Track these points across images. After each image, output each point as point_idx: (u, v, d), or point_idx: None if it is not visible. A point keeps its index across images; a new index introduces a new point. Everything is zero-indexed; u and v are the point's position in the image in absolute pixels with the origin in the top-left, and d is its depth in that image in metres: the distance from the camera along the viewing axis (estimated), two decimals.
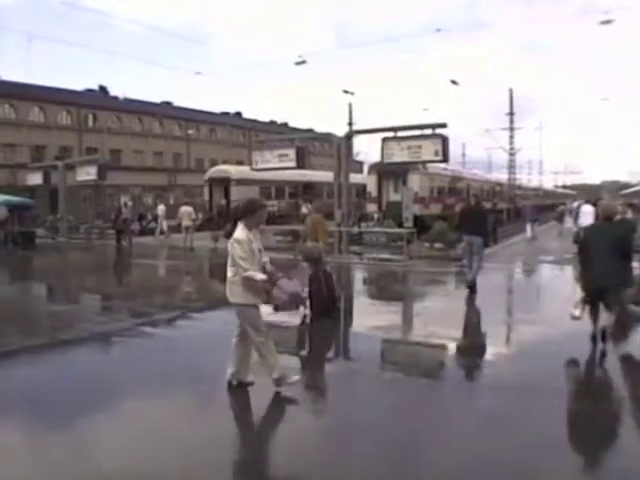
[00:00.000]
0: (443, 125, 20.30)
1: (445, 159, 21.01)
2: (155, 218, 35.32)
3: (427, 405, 6.75)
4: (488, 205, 30.76)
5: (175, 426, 6.02)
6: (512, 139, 64.38)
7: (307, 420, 6.38)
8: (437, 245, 23.27)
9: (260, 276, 6.65)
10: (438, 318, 11.50)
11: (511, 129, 64.06)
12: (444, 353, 9.09)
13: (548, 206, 53.64)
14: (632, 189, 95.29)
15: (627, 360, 8.80)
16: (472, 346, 9.64)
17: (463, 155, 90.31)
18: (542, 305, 13.60)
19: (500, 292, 15.04)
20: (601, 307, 8.67)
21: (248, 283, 6.64)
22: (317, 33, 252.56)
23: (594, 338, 8.74)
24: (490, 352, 9.26)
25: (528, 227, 30.31)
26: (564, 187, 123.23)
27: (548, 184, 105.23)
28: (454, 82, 40.87)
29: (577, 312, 9.17)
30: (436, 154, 20.16)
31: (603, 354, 8.49)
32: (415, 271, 18.07)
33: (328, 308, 10.95)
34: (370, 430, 5.93)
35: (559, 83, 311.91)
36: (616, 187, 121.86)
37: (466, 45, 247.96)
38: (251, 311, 6.83)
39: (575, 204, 33.74)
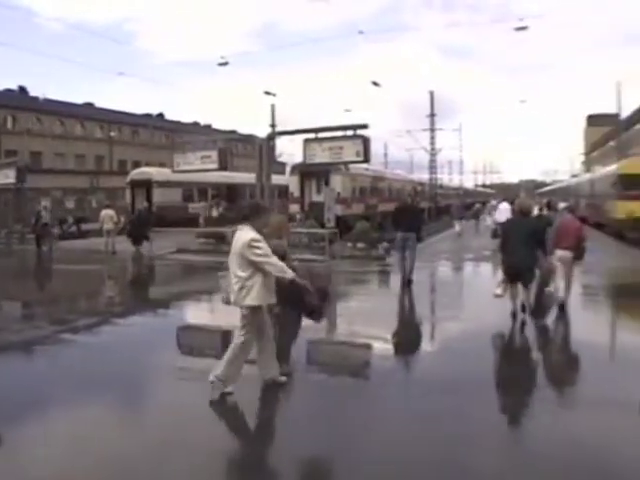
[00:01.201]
0: (364, 126, 20.45)
1: (366, 159, 21.18)
2: (77, 221, 34.76)
3: (353, 405, 6.80)
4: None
5: (98, 435, 5.95)
6: (433, 140, 65.23)
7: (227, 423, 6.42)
8: (359, 245, 23.54)
9: (290, 273, 6.73)
10: (362, 317, 11.67)
11: (432, 130, 64.93)
12: (369, 352, 9.13)
13: (469, 205, 54.74)
14: (546, 188, 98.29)
15: (543, 332, 10.88)
16: (398, 344, 9.82)
17: (385, 155, 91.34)
18: (465, 301, 14.07)
19: (424, 290, 15.46)
20: (519, 286, 10.84)
21: (268, 282, 6.74)
22: (240, 34, 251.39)
23: (514, 314, 10.86)
24: (416, 349, 9.47)
25: (456, 224, 34.25)
26: (484, 186, 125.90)
27: (468, 183, 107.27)
28: (375, 84, 41.28)
29: (499, 291, 11.20)
30: (357, 155, 20.28)
31: (523, 322, 10.70)
32: (338, 271, 18.20)
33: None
34: (295, 431, 6.00)
35: (479, 85, 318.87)
36: (532, 186, 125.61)
37: (388, 47, 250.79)
38: (260, 313, 6.89)
39: (494, 202, 36.26)
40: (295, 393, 7.27)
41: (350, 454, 5.49)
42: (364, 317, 11.71)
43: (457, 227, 34.28)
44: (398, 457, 5.44)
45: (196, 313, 12.96)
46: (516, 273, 10.80)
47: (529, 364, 8.95)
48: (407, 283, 15.24)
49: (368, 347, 9.32)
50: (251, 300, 6.74)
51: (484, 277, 17.56)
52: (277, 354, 7.35)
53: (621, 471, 5.20)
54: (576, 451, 5.59)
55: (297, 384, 7.52)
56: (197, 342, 10.00)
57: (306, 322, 9.37)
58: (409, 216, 15.90)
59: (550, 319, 11.73)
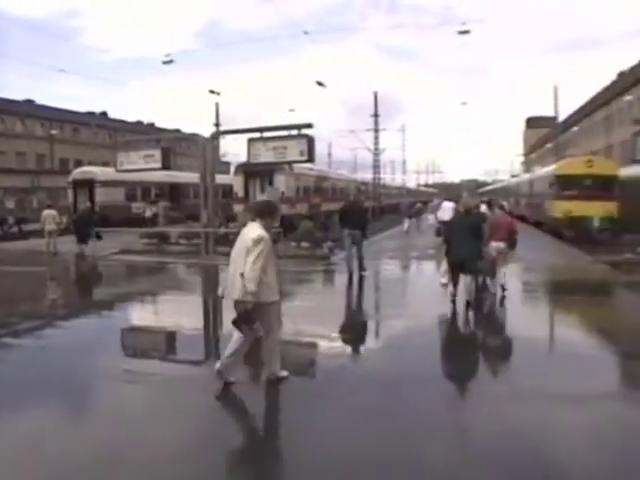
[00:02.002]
0: (309, 126, 20.60)
1: (311, 159, 21.35)
2: (18, 222, 34.14)
3: (298, 403, 6.85)
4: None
5: (38, 440, 5.92)
6: (377, 140, 65.80)
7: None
8: (304, 244, 23.60)
9: (253, 289, 6.74)
10: (307, 316, 11.76)
11: (376, 130, 65.46)
12: (315, 351, 9.23)
13: (411, 204, 55.33)
14: (487, 187, 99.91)
15: (485, 323, 11.74)
16: (343, 342, 9.92)
17: (329, 155, 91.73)
18: (410, 297, 14.36)
19: (370, 287, 15.70)
20: (462, 276, 12.17)
21: (268, 280, 7.00)
22: (185, 32, 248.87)
23: (454, 300, 12.26)
24: (361, 346, 9.59)
25: (405, 221, 35.41)
26: (426, 186, 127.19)
27: (411, 183, 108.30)
28: (320, 84, 41.32)
29: (444, 280, 13.27)
30: (302, 154, 20.44)
31: (469, 303, 12.07)
32: (283, 270, 18.17)
33: None
34: (239, 431, 6.07)
35: (423, 87, 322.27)
36: (474, 185, 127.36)
37: (333, 48, 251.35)
38: (270, 307, 7.15)
39: (436, 201, 37.41)
40: (240, 393, 7.28)
41: (294, 452, 5.60)
42: (309, 316, 11.79)
43: (405, 225, 35.40)
44: (344, 454, 5.55)
45: (140, 314, 12.88)
46: (460, 264, 12.10)
47: (471, 358, 9.16)
48: (360, 278, 16.18)
49: (314, 346, 9.42)
50: (267, 296, 7.00)
51: (429, 274, 17.87)
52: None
53: (557, 460, 5.42)
54: (516, 442, 5.80)
55: (243, 384, 7.52)
56: (142, 344, 9.99)
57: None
58: (355, 215, 16.84)
59: (491, 309, 12.96)
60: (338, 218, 17.60)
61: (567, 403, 6.83)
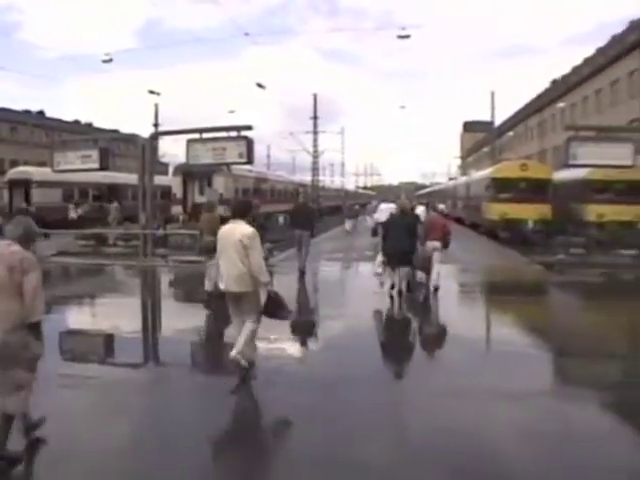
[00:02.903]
0: (248, 127, 20.55)
1: (250, 161, 21.29)
2: None
3: (239, 404, 6.88)
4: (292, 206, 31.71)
5: None
6: (316, 142, 66.10)
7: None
8: None
9: (266, 278, 7.53)
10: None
11: (315, 132, 65.73)
12: (254, 352, 9.16)
13: (350, 206, 55.65)
14: (425, 190, 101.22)
15: (420, 318, 12.46)
16: (284, 342, 9.88)
17: (268, 157, 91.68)
18: (349, 297, 14.53)
19: (310, 288, 15.83)
20: (397, 269, 13.28)
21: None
22: (125, 31, 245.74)
23: (391, 293, 13.31)
24: (302, 347, 9.59)
25: (347, 222, 36.54)
26: (365, 188, 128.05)
27: (350, 185, 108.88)
28: (260, 85, 41.26)
29: (379, 270, 14.20)
30: (241, 156, 20.37)
31: (400, 293, 13.26)
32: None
33: None
34: (176, 434, 6.01)
35: (362, 90, 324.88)
36: (412, 188, 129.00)
37: (273, 50, 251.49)
38: (257, 296, 7.52)
39: (374, 203, 38.25)
40: (181, 395, 7.23)
41: (233, 453, 5.59)
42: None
43: (347, 225, 36.31)
44: (285, 455, 5.61)
45: (78, 318, 12.63)
46: (396, 258, 13.22)
47: (409, 357, 9.30)
48: (301, 275, 16.86)
49: (253, 348, 9.36)
50: (255, 285, 7.45)
51: (366, 273, 18.07)
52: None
53: (494, 455, 5.55)
54: (455, 439, 5.89)
55: (183, 386, 7.50)
56: (79, 347, 9.82)
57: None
58: (303, 215, 17.56)
59: (427, 305, 13.71)
60: (289, 219, 18.40)
61: (502, 399, 6.99)
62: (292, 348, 9.51)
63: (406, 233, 13.18)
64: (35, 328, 5.11)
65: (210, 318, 11.70)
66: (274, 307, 7.62)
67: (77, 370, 8.23)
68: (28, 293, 4.99)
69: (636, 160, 22.33)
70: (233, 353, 7.47)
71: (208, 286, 8.00)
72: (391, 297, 13.29)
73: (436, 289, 14.29)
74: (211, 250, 11.83)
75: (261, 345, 9.14)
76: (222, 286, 7.70)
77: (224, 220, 8.87)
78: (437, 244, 14.46)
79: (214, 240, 8.41)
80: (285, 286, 14.35)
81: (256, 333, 7.80)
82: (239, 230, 7.45)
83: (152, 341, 10.69)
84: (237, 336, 7.68)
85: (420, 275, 14.94)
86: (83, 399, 6.95)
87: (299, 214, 17.82)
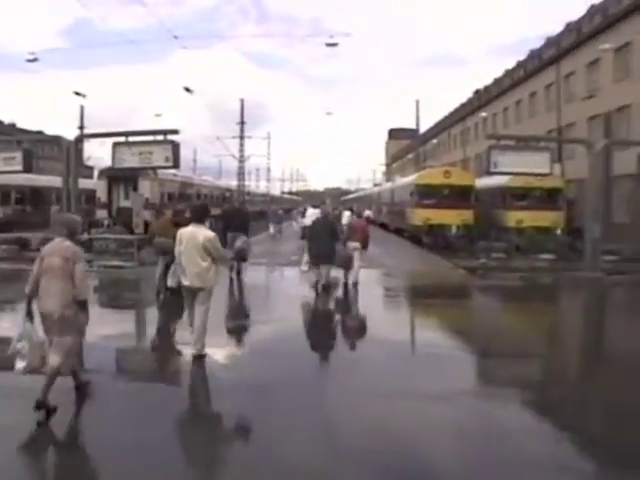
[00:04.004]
0: (175, 131, 20.41)
1: (176, 165, 21.15)
2: None
3: (166, 411, 6.75)
4: (217, 210, 31.49)
5: None
6: (242, 147, 66.00)
7: None
8: None
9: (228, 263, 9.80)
10: (171, 325, 11.67)
11: (241, 137, 65.64)
12: (181, 359, 9.09)
13: (276, 210, 55.71)
14: (351, 196, 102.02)
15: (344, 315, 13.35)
16: (211, 349, 9.82)
17: (194, 161, 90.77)
18: (277, 300, 14.64)
19: (236, 292, 15.82)
20: (321, 266, 14.75)
21: (218, 269, 8.80)
22: (51, 30, 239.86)
23: (316, 287, 14.79)
24: (231, 352, 9.56)
25: (271, 227, 37.36)
26: (290, 193, 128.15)
27: (275, 190, 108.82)
28: (188, 89, 40.91)
29: (305, 268, 16.51)
30: (167, 160, 20.20)
31: (325, 287, 14.73)
32: (146, 278, 17.89)
33: None
34: (102, 442, 5.95)
35: (290, 96, 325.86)
36: (337, 193, 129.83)
37: (202, 54, 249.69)
38: (211, 290, 8.71)
39: (301, 208, 38.94)
40: (103, 402, 7.07)
41: (162, 459, 5.54)
42: (173, 325, 11.59)
43: (272, 230, 37.00)
44: (213, 459, 5.66)
45: None
46: (320, 257, 14.84)
47: (335, 359, 9.45)
48: (237, 273, 17.21)
49: (180, 354, 9.31)
50: (212, 281, 8.65)
51: (292, 276, 18.25)
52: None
53: (423, 455, 5.72)
54: (384, 439, 6.02)
55: (105, 393, 7.30)
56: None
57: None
58: (238, 218, 17.84)
59: (351, 303, 14.91)
60: (223, 221, 18.28)
61: (427, 399, 7.18)
62: (220, 353, 9.47)
63: (328, 235, 14.81)
64: (82, 304, 6.60)
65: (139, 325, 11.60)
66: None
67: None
68: (78, 277, 6.46)
69: (553, 168, 23.15)
70: (195, 348, 8.63)
71: (170, 282, 8.95)
72: (316, 291, 14.72)
73: (355, 284, 16.07)
74: (163, 250, 13.55)
75: (189, 352, 9.17)
76: (185, 282, 8.60)
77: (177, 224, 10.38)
78: (357, 245, 16.27)
79: (167, 241, 10.51)
80: (221, 286, 14.33)
81: (208, 317, 8.70)
82: (202, 234, 8.51)
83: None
84: (190, 324, 8.85)
85: (335, 275, 16.00)
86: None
87: (234, 217, 17.95)
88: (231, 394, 7.40)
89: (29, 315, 6.62)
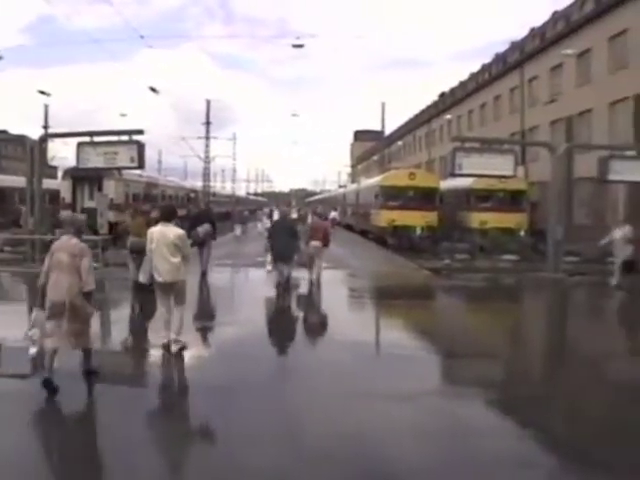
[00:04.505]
0: (140, 132, 20.31)
1: (141, 165, 21.05)
2: None
3: (131, 413, 6.71)
4: (183, 211, 31.39)
5: None
6: (208, 148, 65.70)
7: None
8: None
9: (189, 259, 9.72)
10: (139, 325, 11.64)
11: (207, 138, 65.35)
12: (144, 359, 9.13)
13: (239, 212, 55.58)
14: (316, 197, 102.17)
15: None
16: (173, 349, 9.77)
17: (159, 162, 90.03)
18: (237, 306, 14.50)
19: (205, 293, 15.81)
20: (283, 265, 15.36)
21: (187, 264, 9.46)
22: (14, 27, 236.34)
23: (278, 287, 15.29)
24: (192, 353, 9.52)
25: (237, 227, 37.58)
26: (256, 194, 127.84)
27: (241, 191, 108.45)
28: (153, 89, 40.57)
29: (269, 267, 17.49)
30: (132, 160, 20.11)
31: (285, 287, 15.24)
32: (111, 279, 17.73)
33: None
34: (70, 445, 5.93)
35: (256, 97, 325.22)
36: (302, 195, 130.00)
37: (168, 54, 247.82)
38: (185, 284, 9.41)
39: (266, 210, 39.38)
40: (68, 403, 6.99)
41: (121, 460, 5.48)
42: (141, 325, 11.61)
43: (237, 231, 37.19)
44: (172, 462, 5.62)
45: None
46: (282, 256, 15.45)
47: (298, 359, 9.44)
48: (202, 274, 17.56)
49: (142, 355, 9.31)
50: (184, 275, 9.21)
51: (257, 277, 18.30)
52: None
53: (388, 455, 5.71)
54: (348, 440, 6.00)
55: (70, 394, 7.13)
56: None
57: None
58: (205, 220, 17.55)
59: (314, 301, 15.39)
60: (190, 222, 18.14)
61: (391, 400, 7.22)
62: (185, 354, 9.41)
63: (288, 235, 15.49)
64: (88, 295, 7.36)
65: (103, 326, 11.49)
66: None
67: None
68: (84, 271, 7.22)
69: (517, 170, 23.47)
70: (172, 335, 9.14)
71: (142, 278, 9.43)
72: (278, 290, 15.14)
73: (318, 280, 16.61)
74: (139, 249, 13.27)
75: (154, 353, 9.17)
76: (158, 278, 9.06)
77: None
78: (318, 244, 16.75)
79: (141, 240, 10.93)
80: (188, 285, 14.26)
81: (184, 309, 9.41)
82: (172, 232, 9.03)
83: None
84: (164, 314, 9.35)
85: (296, 276, 16.60)
86: None
87: (200, 219, 17.83)
88: (194, 395, 7.47)
89: (42, 306, 7.31)
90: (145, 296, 11.55)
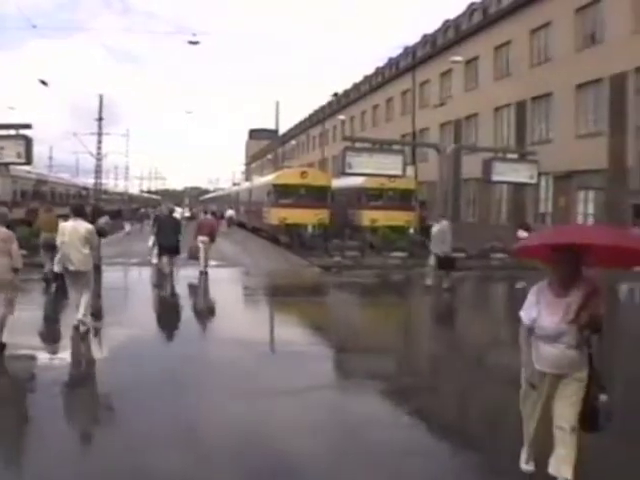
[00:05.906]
0: (28, 126, 19.85)
1: (29, 161, 20.59)
2: None
3: (13, 418, 6.57)
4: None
5: None
6: (100, 144, 64.20)
7: None
8: (22, 252, 22.45)
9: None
10: (30, 327, 11.26)
11: (99, 134, 63.88)
12: (33, 363, 8.69)
13: (135, 209, 54.76)
14: (210, 195, 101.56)
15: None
16: (65, 352, 9.40)
17: (50, 158, 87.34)
18: (129, 305, 14.39)
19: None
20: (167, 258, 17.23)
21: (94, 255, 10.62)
22: None
23: (163, 278, 16.92)
24: (84, 356, 9.33)
25: (127, 225, 39.65)
26: (149, 192, 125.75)
27: (134, 189, 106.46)
28: (43, 82, 39.21)
29: (154, 260, 18.93)
30: (19, 156, 19.64)
31: (171, 272, 17.12)
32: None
33: None
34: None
35: (150, 93, 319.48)
36: (196, 193, 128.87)
37: (60, 45, 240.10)
38: (91, 274, 10.53)
39: (163, 207, 39.52)
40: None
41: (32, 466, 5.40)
42: (31, 327, 11.14)
43: (127, 228, 38.21)
44: (79, 467, 5.43)
45: None
46: (167, 250, 17.21)
47: (194, 359, 9.12)
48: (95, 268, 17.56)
49: (32, 358, 8.95)
50: (87, 266, 10.14)
51: (149, 276, 18.23)
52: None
53: (283, 451, 5.83)
54: (243, 438, 6.05)
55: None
56: None
57: None
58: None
59: (205, 299, 15.72)
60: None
61: (287, 396, 7.33)
62: (72, 358, 9.16)
63: (173, 230, 17.34)
64: (16, 271, 8.86)
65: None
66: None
67: None
68: (14, 254, 8.76)
69: (407, 170, 24.19)
70: (79, 316, 10.01)
71: (57, 268, 12.00)
72: (164, 275, 16.93)
73: (205, 273, 18.06)
74: (50, 245, 14.20)
75: (42, 356, 9.07)
76: (71, 267, 10.05)
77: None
78: (205, 238, 18.52)
79: (52, 236, 11.91)
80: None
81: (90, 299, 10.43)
82: (83, 226, 10.08)
83: None
84: (75, 301, 10.31)
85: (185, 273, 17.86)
86: None
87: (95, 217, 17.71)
88: (87, 397, 7.41)
89: None
90: (60, 284, 12.34)
